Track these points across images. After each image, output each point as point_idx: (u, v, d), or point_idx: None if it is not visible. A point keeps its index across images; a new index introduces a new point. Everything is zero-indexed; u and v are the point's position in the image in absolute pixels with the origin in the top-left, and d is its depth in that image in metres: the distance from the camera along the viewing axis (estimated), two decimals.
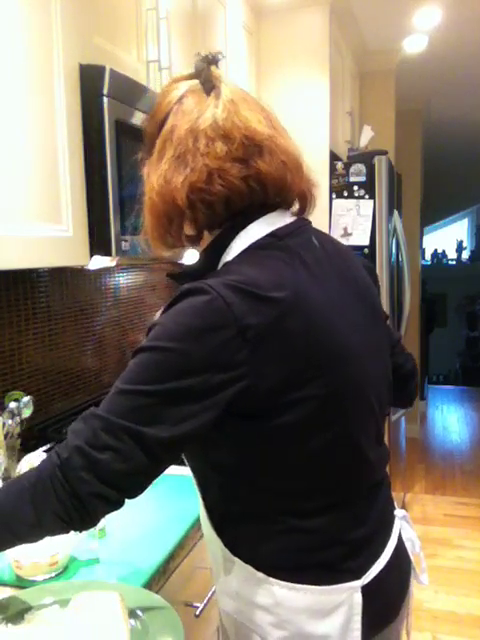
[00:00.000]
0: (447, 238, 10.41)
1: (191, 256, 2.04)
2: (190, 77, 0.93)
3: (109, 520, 1.19)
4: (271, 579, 0.87)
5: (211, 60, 0.92)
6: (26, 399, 1.49)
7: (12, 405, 1.45)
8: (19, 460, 1.39)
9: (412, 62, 3.81)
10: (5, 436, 1.40)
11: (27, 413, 1.48)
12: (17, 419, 1.45)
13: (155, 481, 1.37)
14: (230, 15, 2.42)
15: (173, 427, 0.78)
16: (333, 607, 0.87)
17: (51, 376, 1.82)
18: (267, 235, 0.88)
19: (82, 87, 1.36)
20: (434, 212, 7.94)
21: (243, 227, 0.88)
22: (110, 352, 2.17)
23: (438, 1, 3.03)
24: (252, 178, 0.86)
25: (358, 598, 0.88)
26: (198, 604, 1.20)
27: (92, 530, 1.10)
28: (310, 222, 0.97)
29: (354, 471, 0.90)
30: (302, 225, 0.94)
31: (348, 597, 0.87)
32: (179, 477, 1.42)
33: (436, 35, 3.45)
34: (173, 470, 1.47)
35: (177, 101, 0.90)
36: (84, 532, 1.10)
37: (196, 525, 1.22)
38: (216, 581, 0.98)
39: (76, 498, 0.76)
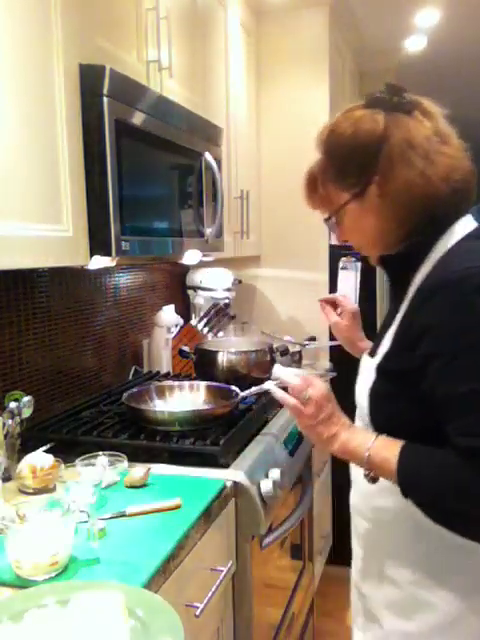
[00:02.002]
0: None
1: (191, 256, 2.04)
2: (367, 106, 1.07)
3: (109, 520, 1.19)
4: None
5: (399, 89, 1.07)
6: (26, 399, 1.49)
7: (12, 405, 1.45)
8: (19, 460, 1.39)
9: (412, 62, 3.81)
10: (5, 436, 1.40)
11: (27, 413, 1.48)
12: (17, 419, 1.45)
13: (154, 481, 1.37)
14: (230, 15, 2.42)
15: None
16: None
17: (51, 376, 1.82)
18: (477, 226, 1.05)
19: (82, 87, 1.36)
20: None
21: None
22: (110, 352, 2.17)
23: (438, 1, 3.03)
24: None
25: None
26: (198, 604, 1.20)
27: (92, 530, 1.10)
28: None
29: None
30: None
31: None
32: (179, 477, 1.43)
33: (436, 35, 3.45)
34: (173, 470, 1.47)
35: (385, 124, 1.03)
36: (84, 532, 1.10)
37: (196, 525, 1.22)
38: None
39: None
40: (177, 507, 1.26)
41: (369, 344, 1.43)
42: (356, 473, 1.14)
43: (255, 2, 2.74)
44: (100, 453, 1.40)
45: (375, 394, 1.06)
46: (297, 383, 1.07)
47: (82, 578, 1.02)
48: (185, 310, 2.73)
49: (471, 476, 0.90)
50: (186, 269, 2.67)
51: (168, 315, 2.37)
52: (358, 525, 1.19)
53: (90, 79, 1.37)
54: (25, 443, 1.52)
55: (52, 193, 1.29)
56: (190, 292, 2.68)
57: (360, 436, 1.04)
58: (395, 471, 0.97)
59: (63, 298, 1.88)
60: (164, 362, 2.35)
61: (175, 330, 2.42)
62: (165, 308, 2.41)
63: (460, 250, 1.00)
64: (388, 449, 0.99)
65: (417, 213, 1.02)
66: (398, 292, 1.09)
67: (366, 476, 1.04)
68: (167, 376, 2.22)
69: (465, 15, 3.21)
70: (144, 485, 1.36)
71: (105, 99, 1.37)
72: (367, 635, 1.17)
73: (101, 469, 1.34)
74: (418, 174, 0.99)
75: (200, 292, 2.62)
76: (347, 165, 1.06)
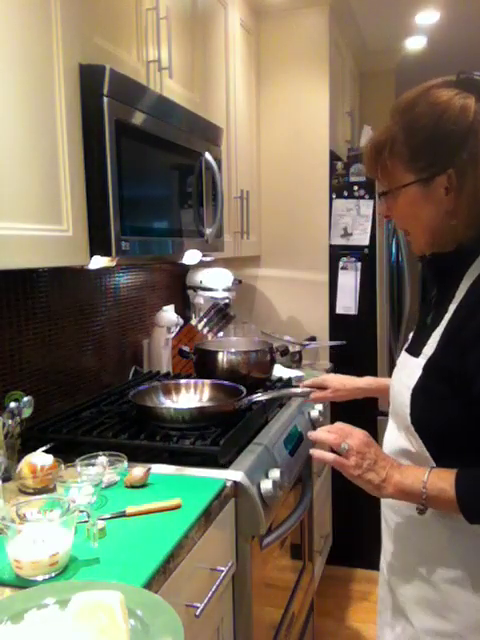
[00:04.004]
0: None
1: (191, 256, 2.04)
2: (458, 86, 1.00)
3: (109, 520, 1.19)
4: None
5: None
6: (26, 399, 1.48)
7: (12, 405, 1.45)
8: (19, 460, 1.39)
9: (412, 62, 3.81)
10: (5, 436, 1.40)
11: (27, 413, 1.48)
12: (17, 419, 1.45)
13: (154, 481, 1.37)
14: (230, 15, 2.42)
15: None
16: None
17: (51, 376, 1.82)
18: None
19: (82, 87, 1.36)
20: None
21: None
22: (110, 352, 2.17)
23: (438, 1, 3.03)
24: None
25: None
26: (198, 604, 1.20)
27: (92, 530, 1.10)
28: None
29: None
30: None
31: None
32: (179, 477, 1.43)
33: (435, 35, 3.45)
34: (173, 470, 1.47)
35: (476, 115, 0.96)
36: (84, 532, 1.10)
37: (196, 525, 1.22)
38: None
39: None
40: (177, 507, 1.26)
41: (377, 380, 1.47)
42: None
43: (255, 2, 2.74)
44: (100, 453, 1.40)
45: (419, 392, 1.03)
46: (331, 437, 1.06)
47: (82, 578, 1.02)
48: (185, 310, 2.73)
49: None
50: (186, 269, 2.67)
51: (168, 315, 2.37)
52: (389, 519, 1.18)
53: (90, 79, 1.37)
54: (25, 443, 1.52)
55: (52, 193, 1.29)
56: (190, 292, 2.68)
57: (412, 473, 1.02)
58: (454, 500, 0.96)
59: (63, 298, 1.88)
60: (164, 362, 2.35)
61: (175, 330, 2.42)
62: (165, 308, 2.41)
63: None
64: (443, 480, 0.97)
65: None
66: (444, 290, 1.06)
67: (419, 509, 1.01)
68: (167, 376, 2.22)
69: (465, 15, 3.21)
70: (144, 485, 1.36)
71: (105, 99, 1.37)
72: (396, 631, 1.16)
73: (101, 469, 1.35)
74: None
75: (200, 292, 2.62)
76: (422, 148, 1.00)
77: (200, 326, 2.58)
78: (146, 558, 1.07)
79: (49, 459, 1.37)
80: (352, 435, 1.05)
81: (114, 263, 1.57)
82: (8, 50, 1.15)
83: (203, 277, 2.62)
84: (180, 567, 1.15)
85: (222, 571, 1.33)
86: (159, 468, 1.45)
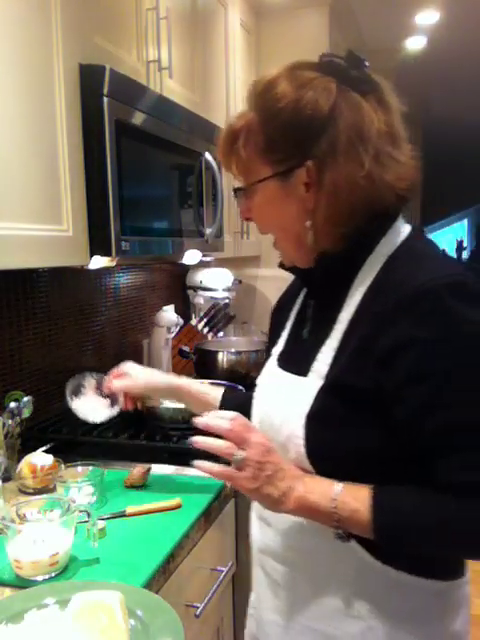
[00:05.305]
0: (447, 238, 10.40)
1: (191, 256, 2.04)
2: (319, 70, 0.90)
3: (109, 520, 1.19)
4: None
5: (361, 61, 0.89)
6: (26, 399, 1.49)
7: (12, 405, 1.45)
8: (19, 460, 1.39)
9: (412, 62, 3.81)
10: (5, 436, 1.40)
11: (27, 413, 1.48)
12: (17, 419, 1.45)
13: (154, 481, 1.37)
14: (230, 15, 2.42)
15: None
16: None
17: (51, 376, 1.82)
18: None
19: (82, 87, 1.36)
20: (434, 212, 7.93)
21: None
22: (110, 352, 2.17)
23: (438, 1, 3.03)
24: None
25: None
26: (198, 604, 1.20)
27: (92, 530, 1.10)
28: None
29: None
30: None
31: None
32: (179, 477, 1.43)
33: (435, 35, 3.45)
34: (173, 470, 1.47)
35: (336, 100, 0.86)
36: (84, 532, 1.10)
37: (196, 525, 1.22)
38: None
39: None
40: (177, 507, 1.26)
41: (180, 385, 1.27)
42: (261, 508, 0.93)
43: (255, 2, 2.74)
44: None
45: (316, 419, 0.86)
46: (223, 448, 0.86)
47: (82, 578, 1.02)
48: (185, 310, 2.73)
49: (475, 515, 0.78)
50: (186, 269, 2.67)
51: (168, 315, 2.37)
52: (271, 571, 0.97)
53: (90, 79, 1.37)
54: (25, 443, 1.52)
55: (52, 193, 1.29)
56: (190, 292, 2.68)
57: (320, 486, 0.85)
58: (369, 524, 0.81)
59: (63, 298, 1.88)
60: (164, 362, 2.35)
61: (175, 330, 2.42)
62: (165, 308, 2.41)
63: (424, 253, 0.88)
64: (357, 498, 0.82)
65: (358, 215, 0.86)
66: (326, 299, 0.93)
67: (338, 535, 0.85)
68: None
69: (465, 15, 3.21)
70: (144, 485, 1.36)
71: (105, 99, 1.37)
72: None
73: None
74: (364, 175, 0.84)
75: (200, 292, 2.62)
76: (279, 137, 0.87)
77: (200, 326, 2.58)
78: (146, 558, 1.07)
79: (49, 459, 1.37)
80: (249, 442, 0.85)
81: (114, 263, 1.57)
82: (8, 50, 1.15)
83: (203, 277, 2.62)
84: (180, 567, 1.15)
85: (222, 571, 1.33)
86: (159, 468, 1.45)
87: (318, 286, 0.97)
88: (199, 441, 0.87)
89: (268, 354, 1.07)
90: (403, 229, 0.91)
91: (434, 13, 3.18)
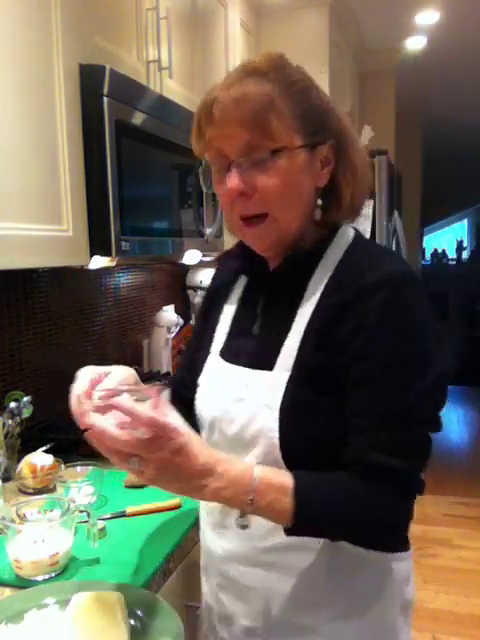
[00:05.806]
0: (447, 238, 10.41)
1: (191, 256, 2.04)
2: None
3: (109, 520, 1.19)
4: None
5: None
6: (26, 399, 1.49)
7: (12, 405, 1.45)
8: (19, 460, 1.39)
9: (412, 62, 3.81)
10: (5, 436, 1.41)
11: (27, 413, 1.48)
12: (17, 419, 1.45)
13: None
14: (230, 15, 2.42)
15: None
16: None
17: (51, 376, 1.82)
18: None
19: (82, 87, 1.36)
20: (434, 212, 7.94)
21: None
22: (110, 352, 2.17)
23: (438, 1, 3.03)
24: None
25: None
26: (198, 604, 1.20)
27: (92, 530, 1.10)
28: None
29: None
30: None
31: None
32: None
33: (435, 35, 3.45)
34: None
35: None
36: (84, 532, 1.10)
37: (196, 525, 1.22)
38: None
39: None
40: (177, 507, 1.26)
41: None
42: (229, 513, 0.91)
43: (255, 2, 2.74)
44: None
45: (290, 411, 0.85)
46: (120, 436, 0.72)
47: (82, 578, 1.02)
48: (185, 310, 2.73)
49: (380, 503, 0.80)
50: (186, 269, 2.67)
51: (168, 315, 2.37)
52: (239, 577, 0.94)
53: (90, 79, 1.37)
54: (25, 443, 1.51)
55: (52, 193, 1.29)
56: (190, 292, 2.68)
57: (237, 463, 0.80)
58: (290, 511, 0.79)
59: (63, 298, 1.88)
60: (164, 362, 2.35)
61: (175, 330, 2.42)
62: (165, 308, 2.41)
63: (378, 250, 0.94)
64: (274, 482, 0.79)
65: (349, 202, 0.92)
66: (284, 293, 0.92)
67: (239, 522, 0.83)
68: (167, 376, 2.22)
69: (465, 15, 3.21)
70: (144, 485, 1.36)
71: (105, 99, 1.37)
72: None
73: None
74: (362, 168, 0.93)
75: (200, 292, 2.62)
76: (308, 110, 0.87)
77: None
78: (146, 558, 1.07)
79: (49, 459, 1.37)
80: (148, 459, 0.73)
81: (114, 263, 1.57)
82: (8, 50, 1.15)
83: (203, 277, 2.62)
84: (180, 567, 1.15)
85: None
86: None
87: (276, 281, 0.95)
88: (93, 420, 0.76)
89: (199, 348, 1.03)
90: (351, 231, 0.95)
91: (434, 13, 3.18)
